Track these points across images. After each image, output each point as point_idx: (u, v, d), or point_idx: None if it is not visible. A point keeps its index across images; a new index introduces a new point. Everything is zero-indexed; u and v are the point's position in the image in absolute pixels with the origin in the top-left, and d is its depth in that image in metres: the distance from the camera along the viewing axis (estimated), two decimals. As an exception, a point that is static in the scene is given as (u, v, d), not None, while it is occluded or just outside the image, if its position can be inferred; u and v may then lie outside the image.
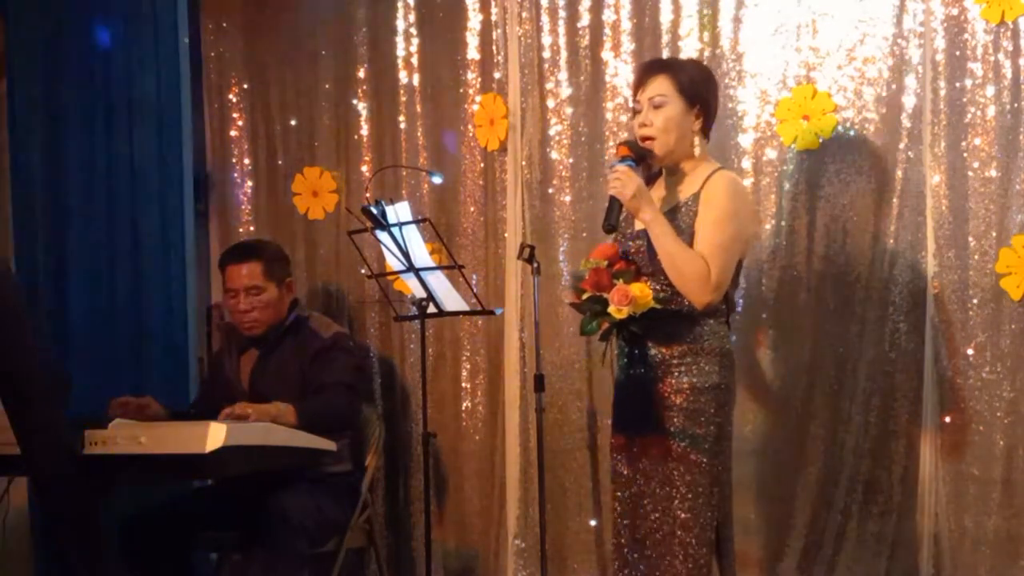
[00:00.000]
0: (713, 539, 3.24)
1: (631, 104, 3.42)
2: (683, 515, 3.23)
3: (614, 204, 3.25)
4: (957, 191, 3.81)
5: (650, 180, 3.46)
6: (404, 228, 3.97)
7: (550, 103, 4.48)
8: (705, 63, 3.94)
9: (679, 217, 3.28)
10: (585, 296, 3.31)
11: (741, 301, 3.91)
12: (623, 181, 3.23)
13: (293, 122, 5.04)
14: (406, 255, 3.96)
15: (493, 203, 4.62)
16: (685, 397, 3.25)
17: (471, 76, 4.68)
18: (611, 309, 3.24)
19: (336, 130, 4.96)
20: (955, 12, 3.80)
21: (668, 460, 3.26)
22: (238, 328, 4.34)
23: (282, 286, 4.29)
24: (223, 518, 4.11)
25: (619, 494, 3.39)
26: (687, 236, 3.25)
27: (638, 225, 3.32)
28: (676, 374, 3.26)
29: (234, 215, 5.13)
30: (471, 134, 4.67)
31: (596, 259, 3.35)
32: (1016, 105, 3.72)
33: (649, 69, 3.38)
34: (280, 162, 5.08)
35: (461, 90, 4.70)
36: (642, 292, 3.23)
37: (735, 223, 3.27)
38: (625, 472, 3.36)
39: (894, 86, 3.92)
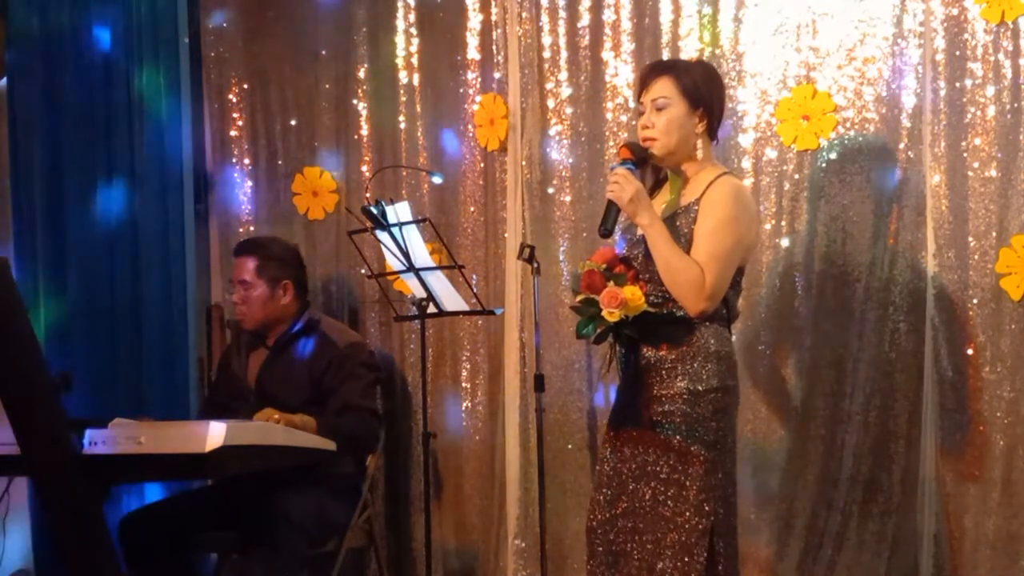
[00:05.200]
0: (707, 546, 3.19)
1: (635, 105, 3.41)
2: (673, 516, 3.21)
3: (611, 208, 3.23)
4: (957, 191, 3.81)
5: (659, 184, 3.45)
6: (404, 228, 3.97)
7: (550, 103, 4.48)
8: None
9: (679, 222, 3.26)
10: (579, 298, 3.31)
11: (740, 301, 3.91)
12: (621, 184, 3.21)
13: (293, 122, 5.05)
14: (406, 255, 3.97)
15: (493, 203, 4.62)
16: (683, 401, 3.23)
17: (471, 76, 4.68)
18: (603, 312, 3.23)
19: (336, 130, 4.96)
20: (955, 12, 3.80)
21: (663, 462, 3.24)
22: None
23: (277, 287, 4.28)
24: (223, 518, 4.11)
25: (600, 493, 3.37)
26: (686, 241, 3.23)
27: (640, 229, 3.31)
28: (672, 378, 3.24)
29: (234, 215, 5.13)
30: (471, 134, 4.67)
31: (595, 262, 3.34)
32: (1016, 105, 3.72)
33: (652, 71, 3.37)
34: (280, 162, 5.08)
35: (461, 90, 4.70)
36: (633, 295, 3.20)
37: (735, 231, 3.24)
38: (611, 473, 3.35)
39: (894, 86, 3.92)
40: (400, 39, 4.81)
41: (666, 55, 4.18)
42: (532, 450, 4.25)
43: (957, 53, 3.80)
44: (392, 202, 4.03)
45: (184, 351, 4.96)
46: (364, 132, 4.90)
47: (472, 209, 4.68)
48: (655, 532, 3.23)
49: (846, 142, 3.98)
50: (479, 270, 4.66)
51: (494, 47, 4.61)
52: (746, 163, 4.11)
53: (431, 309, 4.08)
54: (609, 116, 4.36)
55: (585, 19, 4.40)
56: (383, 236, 4.01)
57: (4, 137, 5.10)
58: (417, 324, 4.33)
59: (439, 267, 4.07)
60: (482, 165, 4.66)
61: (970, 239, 3.78)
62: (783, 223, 4.06)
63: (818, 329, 4.00)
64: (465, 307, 4.15)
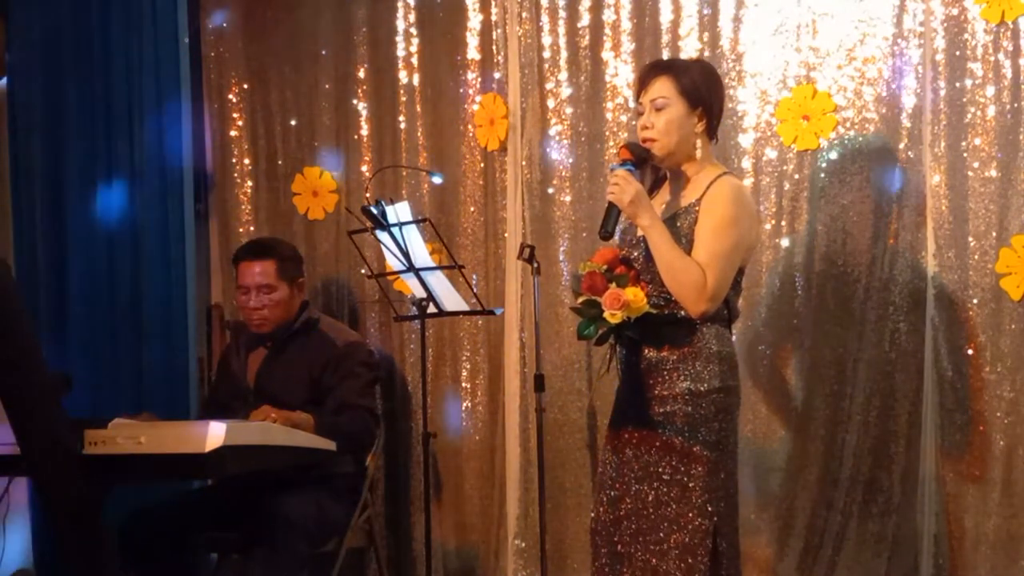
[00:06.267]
0: (710, 546, 3.19)
1: (635, 105, 3.41)
2: (676, 517, 3.21)
3: (612, 210, 3.23)
4: (957, 191, 3.81)
5: (658, 183, 3.46)
6: (404, 228, 3.97)
7: (550, 103, 4.48)
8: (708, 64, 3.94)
9: (680, 223, 3.26)
10: (581, 299, 3.31)
11: (740, 301, 3.91)
12: (621, 186, 3.21)
13: (293, 122, 5.05)
14: (406, 255, 3.97)
15: (493, 203, 4.62)
16: (685, 402, 3.22)
17: (471, 76, 4.68)
18: (605, 313, 3.23)
19: (336, 130, 4.96)
20: (955, 12, 3.80)
21: (665, 463, 3.24)
22: (246, 325, 4.35)
23: (293, 286, 4.30)
24: (223, 518, 4.11)
25: (603, 494, 3.37)
26: (687, 242, 3.23)
27: (640, 230, 3.31)
28: (674, 379, 3.24)
29: (234, 215, 5.13)
30: (471, 134, 4.67)
31: (595, 263, 3.34)
32: (1016, 105, 3.72)
33: (651, 70, 3.37)
34: (280, 162, 5.08)
35: (461, 90, 4.70)
36: (636, 296, 3.20)
37: (735, 231, 3.24)
38: (613, 474, 3.35)
39: (894, 86, 3.92)
40: (400, 39, 4.81)
41: (666, 55, 4.18)
42: (532, 450, 4.25)
43: (957, 53, 3.80)
44: (392, 202, 4.02)
45: (184, 351, 4.95)
46: (364, 132, 4.90)
47: (472, 209, 4.68)
48: (658, 533, 3.23)
49: (846, 142, 3.98)
50: (479, 270, 4.66)
51: (494, 47, 4.61)
52: (746, 163, 4.11)
53: (431, 309, 4.08)
54: (609, 116, 4.36)
55: (585, 19, 4.40)
56: (383, 236, 4.01)
57: (4, 137, 5.10)
58: (417, 324, 4.33)
59: (439, 267, 4.07)
60: (482, 165, 4.66)
61: (970, 239, 3.78)
62: (783, 223, 4.06)
63: (818, 329, 4.00)
64: (465, 307, 4.15)
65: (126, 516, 4.10)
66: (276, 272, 4.26)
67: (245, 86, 5.12)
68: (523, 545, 4.47)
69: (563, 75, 4.45)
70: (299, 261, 4.39)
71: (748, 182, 4.05)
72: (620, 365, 3.39)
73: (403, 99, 4.81)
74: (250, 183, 5.12)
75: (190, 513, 4.19)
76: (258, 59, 5.10)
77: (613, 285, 3.24)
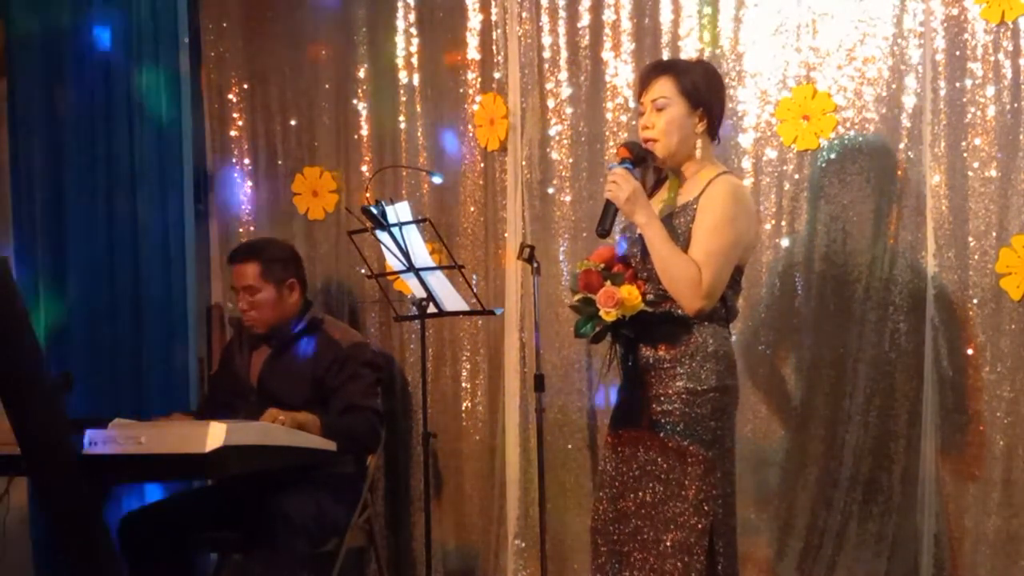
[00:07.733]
0: (707, 546, 3.19)
1: (636, 105, 3.42)
2: (673, 516, 3.21)
3: (609, 208, 3.25)
4: (957, 191, 3.81)
5: (659, 183, 3.46)
6: (404, 228, 3.97)
7: (550, 103, 4.48)
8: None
9: (677, 221, 3.26)
10: (577, 297, 3.31)
11: (740, 300, 3.91)
12: (619, 184, 3.22)
13: (293, 122, 5.05)
14: (406, 255, 3.97)
15: (493, 203, 4.62)
16: (683, 401, 3.23)
17: (471, 76, 4.68)
18: (600, 311, 3.23)
19: (336, 130, 4.96)
20: (955, 12, 3.80)
21: (662, 461, 3.25)
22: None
23: (282, 287, 4.29)
24: (223, 518, 4.11)
25: (603, 493, 3.37)
26: (685, 240, 3.23)
27: (639, 228, 3.31)
28: (671, 377, 3.24)
29: (234, 215, 5.13)
30: (471, 134, 4.67)
31: (593, 261, 3.34)
32: (1016, 105, 3.72)
33: (653, 71, 3.37)
34: (280, 162, 5.08)
35: (461, 90, 4.70)
36: (630, 294, 3.21)
37: (732, 229, 3.24)
38: (613, 473, 3.35)
39: (894, 86, 3.92)
40: (400, 39, 4.81)
41: (666, 55, 4.19)
42: (532, 450, 4.25)
43: (957, 53, 3.80)
44: (392, 202, 4.03)
45: (184, 351, 4.95)
46: (364, 132, 4.90)
47: (472, 209, 4.68)
48: (656, 532, 3.24)
49: (846, 142, 3.98)
50: (479, 270, 4.66)
51: (494, 47, 4.61)
52: (746, 163, 4.11)
53: (431, 309, 4.08)
54: (609, 116, 4.36)
55: (585, 19, 4.40)
56: (383, 236, 4.01)
57: (4, 137, 5.10)
58: (417, 324, 4.33)
59: (439, 267, 4.07)
60: (482, 165, 4.66)
61: (970, 239, 3.78)
62: (783, 223, 4.06)
63: (818, 329, 4.00)
64: (465, 307, 4.15)
65: (126, 516, 4.10)
66: (259, 274, 4.25)
67: (245, 86, 5.12)
68: (523, 545, 4.47)
69: (563, 75, 4.45)
70: (290, 262, 4.35)
71: (748, 182, 4.05)
72: (619, 364, 3.39)
73: (403, 99, 4.81)
74: (250, 183, 5.12)
75: (190, 513, 4.19)
76: (258, 59, 5.10)
77: (608, 283, 3.24)
